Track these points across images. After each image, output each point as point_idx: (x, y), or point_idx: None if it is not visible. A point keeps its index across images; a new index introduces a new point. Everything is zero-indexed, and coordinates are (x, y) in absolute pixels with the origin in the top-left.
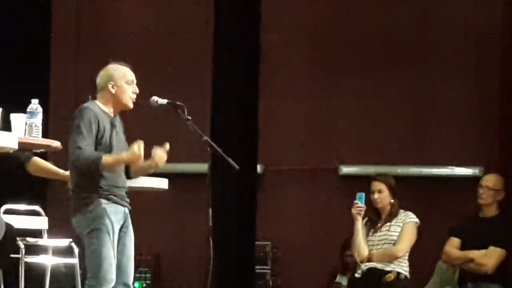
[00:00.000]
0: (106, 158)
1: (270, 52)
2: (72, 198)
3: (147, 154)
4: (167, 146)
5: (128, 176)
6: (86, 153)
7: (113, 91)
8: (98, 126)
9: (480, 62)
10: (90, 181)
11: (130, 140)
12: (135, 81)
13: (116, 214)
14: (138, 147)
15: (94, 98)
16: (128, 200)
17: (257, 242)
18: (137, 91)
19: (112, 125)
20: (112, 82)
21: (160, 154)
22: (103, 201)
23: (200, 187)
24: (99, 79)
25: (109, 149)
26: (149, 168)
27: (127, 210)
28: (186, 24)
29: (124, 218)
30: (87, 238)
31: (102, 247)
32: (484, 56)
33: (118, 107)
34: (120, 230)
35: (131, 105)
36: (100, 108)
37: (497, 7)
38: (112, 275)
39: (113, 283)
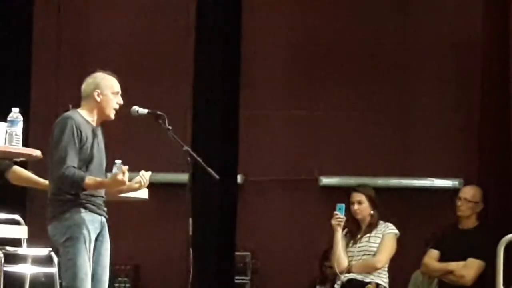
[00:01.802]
0: (89, 182)
1: (251, 63)
2: (49, 205)
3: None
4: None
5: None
6: (71, 172)
7: (98, 99)
8: (81, 136)
9: (461, 73)
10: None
11: (111, 150)
12: (120, 93)
13: (93, 223)
14: (123, 175)
15: (75, 107)
16: (105, 209)
17: (237, 253)
18: (121, 102)
19: (94, 135)
20: (98, 90)
21: (145, 175)
22: (80, 209)
23: (180, 197)
24: (85, 86)
25: (90, 159)
26: (129, 190)
27: (103, 219)
28: (167, 34)
29: (100, 227)
30: (62, 247)
31: (78, 256)
32: (464, 67)
33: (100, 116)
34: (96, 239)
35: (112, 116)
36: (82, 117)
37: (477, 17)
38: (87, 285)
39: None
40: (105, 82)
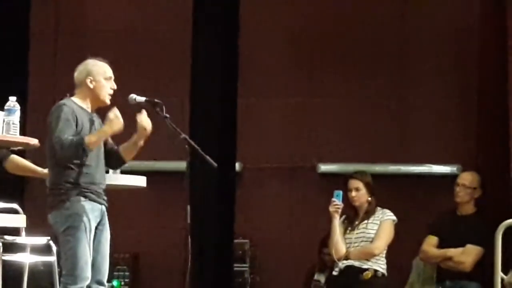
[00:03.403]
0: (90, 137)
1: (248, 50)
2: (49, 195)
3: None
4: (144, 112)
5: (122, 159)
6: (68, 140)
7: (91, 86)
8: (77, 121)
9: (459, 60)
10: (67, 178)
11: (109, 138)
12: (113, 78)
13: (92, 212)
14: (114, 113)
15: (72, 95)
16: (105, 197)
17: (235, 240)
18: (115, 87)
19: (91, 122)
20: (90, 77)
21: (143, 118)
22: (80, 198)
23: (179, 185)
24: (77, 74)
25: None
26: (139, 139)
27: (104, 208)
28: (165, 22)
29: (100, 216)
30: (62, 235)
31: (78, 244)
32: (462, 54)
33: (95, 103)
34: (96, 228)
35: (108, 101)
36: (77, 105)
37: (475, 5)
38: (87, 273)
39: (88, 281)
40: (97, 68)
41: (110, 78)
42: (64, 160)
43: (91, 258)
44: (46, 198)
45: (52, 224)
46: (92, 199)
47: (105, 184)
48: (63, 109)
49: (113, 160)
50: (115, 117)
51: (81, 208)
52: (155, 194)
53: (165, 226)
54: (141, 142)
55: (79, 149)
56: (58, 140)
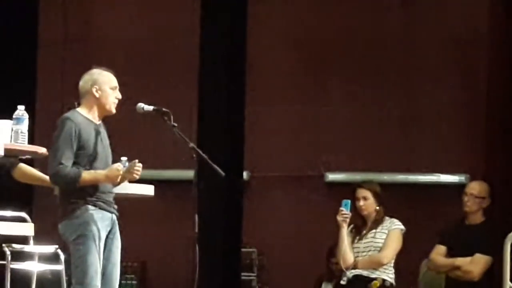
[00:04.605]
0: (84, 176)
1: (256, 59)
2: (59, 204)
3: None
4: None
5: None
6: (66, 169)
7: (97, 95)
8: (80, 136)
9: (467, 68)
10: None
11: (117, 147)
12: (118, 87)
13: (103, 221)
14: (118, 167)
15: (79, 104)
16: (115, 206)
17: (243, 249)
18: (120, 97)
19: (97, 132)
20: (96, 86)
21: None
22: (90, 207)
23: (186, 194)
24: (82, 83)
25: (94, 157)
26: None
27: (114, 217)
28: (173, 31)
29: (111, 225)
30: (73, 244)
31: (88, 253)
32: (470, 63)
33: (101, 112)
34: (107, 236)
35: (113, 110)
36: (83, 116)
37: (483, 12)
38: (97, 282)
39: None
40: (102, 77)
41: (116, 87)
42: (55, 183)
43: (101, 267)
44: (57, 208)
45: (62, 233)
46: (102, 208)
47: (114, 193)
48: (66, 124)
49: None
50: (116, 169)
51: (91, 217)
52: (163, 203)
53: (172, 235)
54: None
55: (71, 183)
56: (57, 163)
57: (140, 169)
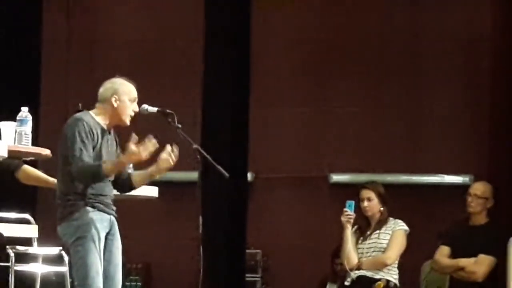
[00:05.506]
0: (107, 166)
1: (260, 60)
2: (58, 206)
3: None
4: (169, 148)
5: (132, 186)
6: (87, 165)
7: (115, 104)
8: (92, 136)
9: (471, 70)
10: (76, 189)
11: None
12: (137, 100)
13: (101, 222)
14: (134, 147)
15: (85, 105)
16: (114, 208)
17: (247, 250)
18: (137, 109)
19: (103, 135)
20: (116, 96)
21: (166, 158)
22: (89, 209)
23: (190, 195)
24: (102, 90)
25: (99, 159)
26: (156, 173)
27: (113, 218)
28: (176, 32)
29: (110, 226)
30: (72, 246)
31: (88, 254)
32: (474, 65)
33: (114, 120)
34: (106, 238)
35: (128, 122)
36: (93, 118)
37: (487, 15)
38: (99, 282)
39: None
40: (123, 88)
41: (135, 99)
42: (79, 182)
43: (103, 268)
44: (56, 210)
45: (62, 236)
46: (101, 210)
47: (113, 195)
48: (80, 125)
49: (123, 185)
50: (135, 151)
51: (89, 219)
52: (167, 205)
53: (177, 236)
54: (157, 176)
55: (96, 175)
56: (77, 164)
57: (169, 161)
